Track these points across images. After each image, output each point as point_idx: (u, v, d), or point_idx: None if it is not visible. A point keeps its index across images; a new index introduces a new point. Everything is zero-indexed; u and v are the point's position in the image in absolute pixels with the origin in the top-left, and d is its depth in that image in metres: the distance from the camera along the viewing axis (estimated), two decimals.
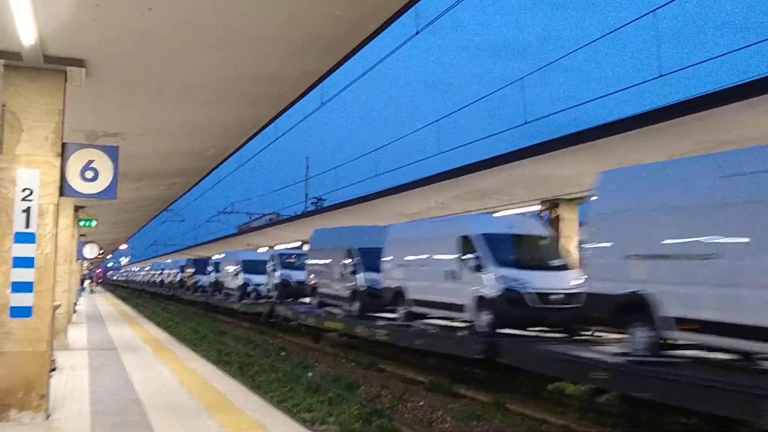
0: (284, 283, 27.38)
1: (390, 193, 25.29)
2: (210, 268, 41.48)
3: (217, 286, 38.37)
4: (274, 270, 28.36)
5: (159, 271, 65.50)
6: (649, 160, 15.50)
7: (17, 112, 7.69)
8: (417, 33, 14.11)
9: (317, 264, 23.28)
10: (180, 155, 14.93)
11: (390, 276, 18.05)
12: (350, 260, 19.97)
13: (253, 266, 32.78)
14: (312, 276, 23.82)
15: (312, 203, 49.96)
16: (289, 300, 27.06)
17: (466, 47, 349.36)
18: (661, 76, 13.72)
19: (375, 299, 18.87)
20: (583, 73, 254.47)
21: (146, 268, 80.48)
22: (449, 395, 13.24)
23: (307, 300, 25.34)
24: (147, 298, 59.64)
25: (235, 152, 14.79)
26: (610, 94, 15.83)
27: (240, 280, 32.95)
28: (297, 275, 26.71)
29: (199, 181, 19.82)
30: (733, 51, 13.15)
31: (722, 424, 8.86)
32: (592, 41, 15.45)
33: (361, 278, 19.45)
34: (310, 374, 15.89)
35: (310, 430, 9.00)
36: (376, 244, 19.03)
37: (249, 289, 32.16)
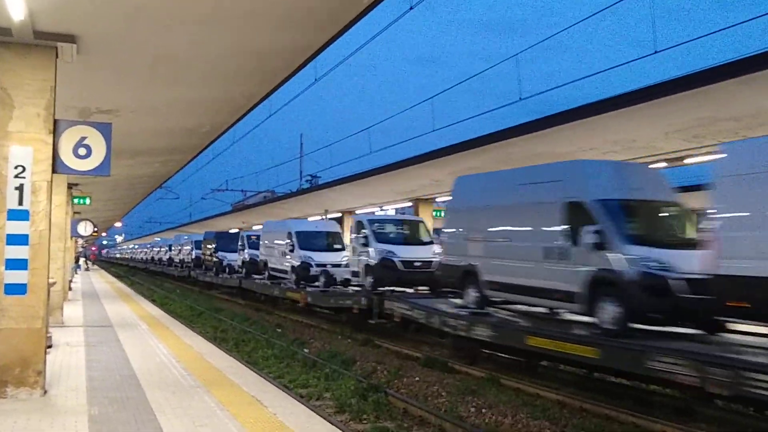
0: (385, 264, 18.73)
1: (384, 171, 25.28)
2: (242, 243, 32.26)
3: (256, 266, 29.54)
4: (365, 245, 19.70)
5: (165, 248, 57.06)
6: (644, 136, 15.57)
7: (8, 89, 7.64)
8: (411, 8, 13.95)
9: (481, 232, 13.94)
10: (174, 132, 14.86)
11: (738, 253, 8.87)
12: (585, 224, 10.91)
13: (312, 239, 24.33)
14: (458, 252, 14.51)
15: (306, 181, 49.96)
16: (395, 289, 18.64)
17: (461, 23, 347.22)
18: (656, 52, 13.67)
19: (661, 298, 10.11)
20: (579, 50, 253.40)
21: (149, 245, 73.40)
22: (444, 371, 13.34)
23: (408, 288, 18.84)
24: (144, 276, 59.44)
25: (228, 129, 14.74)
26: (605, 70, 15.73)
27: (296, 257, 24.06)
28: (403, 252, 18.97)
29: (193, 158, 19.77)
30: (728, 27, 13.10)
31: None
32: (588, 17, 15.34)
33: (619, 258, 10.54)
34: (306, 350, 15.98)
35: (307, 405, 9.07)
36: (639, 192, 11.51)
37: (313, 271, 23.26)
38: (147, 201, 43.42)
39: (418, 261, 18.65)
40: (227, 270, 34.80)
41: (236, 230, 43.82)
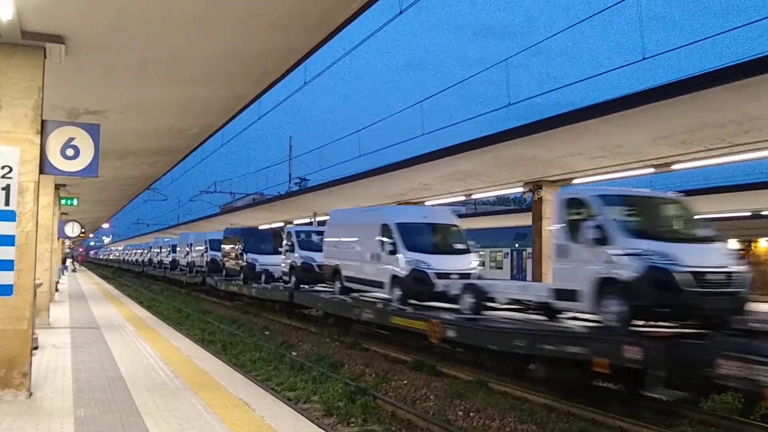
0: (656, 278, 9.86)
1: (373, 174, 25.29)
2: (289, 242, 24.27)
3: (311, 272, 22.32)
4: (602, 241, 10.62)
5: (167, 249, 49.28)
6: (632, 141, 15.69)
7: None
8: (401, 12, 13.98)
9: None
10: (162, 134, 14.82)
11: None
12: None
13: (423, 235, 16.87)
14: None
15: (295, 183, 49.98)
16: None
17: (450, 28, 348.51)
18: (644, 59, 13.79)
19: None
20: (568, 56, 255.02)
21: (144, 245, 65.67)
22: (432, 374, 13.37)
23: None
24: (131, 278, 58.96)
25: (217, 131, 14.73)
26: (593, 76, 15.93)
27: (401, 264, 16.07)
28: (688, 255, 10.04)
29: (182, 159, 19.71)
30: (715, 35, 13.26)
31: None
32: (577, 23, 15.48)
33: None
34: (294, 353, 15.95)
35: (294, 408, 9.07)
36: None
37: (441, 284, 15.27)
38: (135, 203, 43.28)
39: (715, 271, 10.02)
40: (264, 278, 26.78)
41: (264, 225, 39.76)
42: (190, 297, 35.69)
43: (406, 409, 10.46)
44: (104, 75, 9.55)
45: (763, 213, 29.34)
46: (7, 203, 7.56)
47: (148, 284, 48.06)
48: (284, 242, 24.82)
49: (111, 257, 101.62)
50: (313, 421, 7.86)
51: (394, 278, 16.40)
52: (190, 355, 11.71)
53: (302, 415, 8.17)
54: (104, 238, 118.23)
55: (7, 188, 7.56)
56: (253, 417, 7.34)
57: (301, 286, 22.93)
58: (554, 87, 17.67)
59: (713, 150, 14.86)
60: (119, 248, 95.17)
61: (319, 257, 21.56)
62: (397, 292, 16.31)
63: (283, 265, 24.82)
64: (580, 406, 10.53)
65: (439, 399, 11.16)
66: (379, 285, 17.19)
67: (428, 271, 15.67)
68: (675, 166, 16.59)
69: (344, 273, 19.20)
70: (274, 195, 44.69)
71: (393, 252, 16.43)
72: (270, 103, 20.13)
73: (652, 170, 17.32)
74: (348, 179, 27.73)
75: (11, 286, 7.52)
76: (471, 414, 10.25)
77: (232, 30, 7.83)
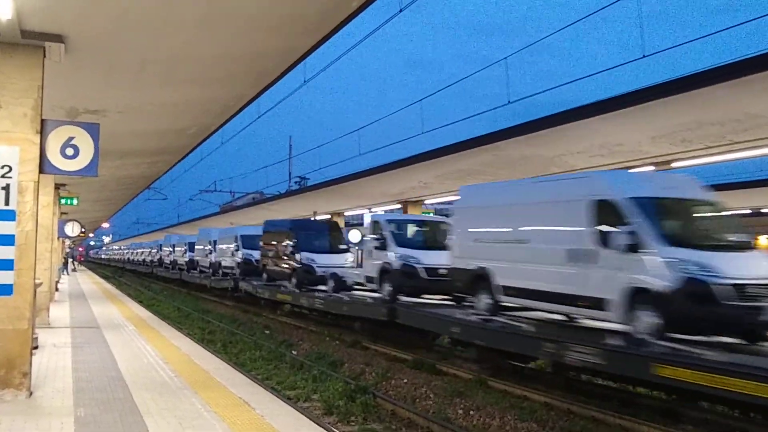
0: None
1: (373, 173, 25.29)
2: (378, 236, 17.82)
3: (414, 278, 16.44)
4: None
5: (182, 248, 43.01)
6: (632, 139, 15.68)
7: None
8: (400, 11, 13.98)
9: None
10: (162, 133, 14.82)
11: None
12: None
13: (671, 218, 10.83)
14: None
15: (295, 182, 49.97)
16: None
17: (450, 26, 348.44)
18: (643, 56, 13.78)
19: None
20: (567, 54, 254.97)
21: (151, 244, 60.66)
22: (432, 373, 13.38)
23: None
24: (131, 278, 58.92)
25: (217, 130, 14.73)
26: (593, 74, 15.85)
27: (650, 269, 9.63)
28: None
29: (182, 159, 19.71)
30: (715, 33, 13.24)
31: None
32: (576, 21, 15.45)
33: None
34: (294, 352, 15.96)
35: (295, 407, 9.07)
36: None
37: None
38: (134, 202, 43.18)
39: None
40: (332, 285, 20.57)
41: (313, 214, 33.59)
42: (190, 296, 35.69)
43: (406, 408, 10.47)
44: (104, 75, 9.55)
45: (763, 210, 29.33)
46: (6, 203, 7.55)
47: (148, 284, 48.08)
48: (369, 236, 18.53)
49: (114, 257, 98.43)
50: (313, 420, 7.86)
51: (638, 293, 9.79)
52: (190, 354, 11.72)
53: (302, 413, 8.18)
54: (104, 237, 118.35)
55: (6, 188, 7.56)
56: (252, 416, 7.35)
57: (397, 296, 16.71)
58: (554, 85, 17.65)
59: (713, 148, 14.85)
60: (123, 247, 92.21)
61: (424, 257, 16.50)
62: (646, 319, 9.62)
63: (349, 262, 20.52)
64: (580, 404, 10.53)
65: (439, 397, 11.16)
66: (594, 304, 10.63)
67: (717, 281, 9.10)
68: (675, 164, 16.58)
69: (500, 281, 12.85)
70: (273, 194, 44.65)
71: (633, 248, 9.93)
72: (269, 102, 20.14)
73: (651, 168, 17.32)
74: (348, 178, 27.73)
75: (11, 285, 7.53)
76: (471, 412, 10.25)
77: (233, 30, 7.83)
